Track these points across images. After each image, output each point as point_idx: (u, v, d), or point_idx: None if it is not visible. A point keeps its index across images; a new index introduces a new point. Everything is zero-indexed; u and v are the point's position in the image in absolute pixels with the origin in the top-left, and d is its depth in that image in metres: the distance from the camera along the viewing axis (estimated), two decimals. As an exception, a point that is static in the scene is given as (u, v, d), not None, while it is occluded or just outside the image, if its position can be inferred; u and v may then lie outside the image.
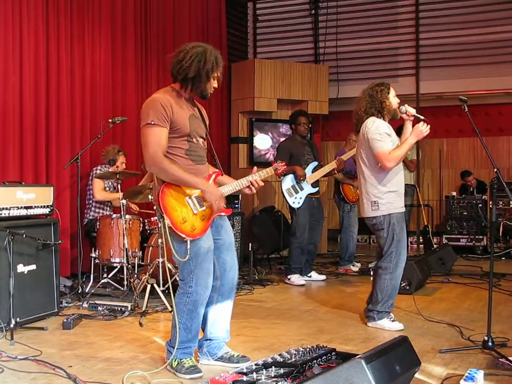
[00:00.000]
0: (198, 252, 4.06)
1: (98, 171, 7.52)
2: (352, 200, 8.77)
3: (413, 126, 5.43)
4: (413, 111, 5.41)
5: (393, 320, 5.46)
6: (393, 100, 5.49)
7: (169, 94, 4.13)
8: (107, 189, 7.65)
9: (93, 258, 7.02)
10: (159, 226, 6.31)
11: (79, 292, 6.65)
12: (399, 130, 5.62)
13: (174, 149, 4.11)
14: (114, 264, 6.99)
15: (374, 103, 5.47)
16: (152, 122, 3.98)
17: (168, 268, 6.14)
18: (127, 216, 6.93)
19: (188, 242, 4.02)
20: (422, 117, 5.35)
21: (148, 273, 6.44)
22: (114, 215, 7.04)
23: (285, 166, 4.68)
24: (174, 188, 4.08)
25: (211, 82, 4.15)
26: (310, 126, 8.28)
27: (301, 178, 7.74)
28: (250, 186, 4.29)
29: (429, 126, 5.31)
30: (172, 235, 4.05)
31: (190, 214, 4.08)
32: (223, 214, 4.28)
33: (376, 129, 5.37)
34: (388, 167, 5.33)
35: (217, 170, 4.37)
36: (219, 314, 4.39)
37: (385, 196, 5.42)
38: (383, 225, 5.46)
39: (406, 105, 5.45)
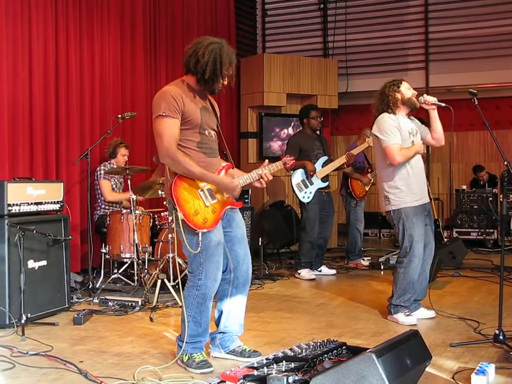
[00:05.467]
0: (208, 244, 4.07)
1: (102, 171, 7.54)
2: (359, 195, 8.75)
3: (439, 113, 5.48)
4: (431, 99, 5.36)
5: (408, 315, 5.44)
6: (406, 92, 5.48)
7: (180, 86, 4.14)
8: (114, 187, 7.67)
9: (103, 254, 7.04)
10: (169, 219, 6.38)
11: (90, 287, 6.67)
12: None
13: (186, 142, 4.11)
14: (125, 260, 7.01)
15: (383, 99, 5.53)
16: (164, 114, 3.99)
17: (178, 262, 6.16)
18: (137, 212, 6.94)
19: (200, 234, 4.03)
20: (443, 104, 5.33)
21: (158, 268, 6.46)
22: (124, 211, 7.05)
23: (294, 160, 4.69)
24: (186, 180, 4.09)
25: (223, 81, 4.17)
26: (322, 119, 8.26)
27: (311, 173, 7.74)
28: (260, 179, 4.30)
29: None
30: (184, 227, 4.05)
31: (202, 206, 4.09)
32: (234, 206, 4.29)
33: (382, 125, 5.44)
34: (396, 162, 5.35)
35: (228, 163, 4.38)
36: (234, 307, 4.39)
37: (395, 191, 5.45)
38: (394, 220, 5.52)
39: (425, 95, 5.43)
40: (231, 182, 4.17)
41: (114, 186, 7.68)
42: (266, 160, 4.38)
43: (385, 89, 5.52)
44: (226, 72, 4.12)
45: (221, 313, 4.41)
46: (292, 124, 10.54)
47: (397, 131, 5.38)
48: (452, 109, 5.22)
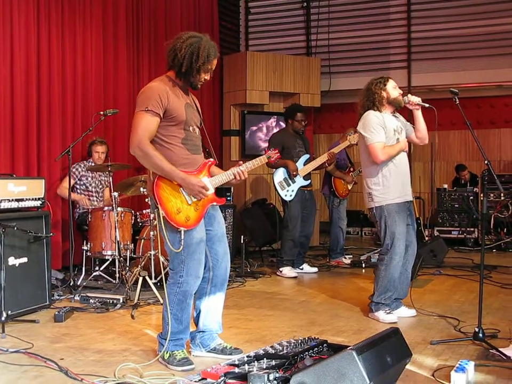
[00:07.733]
0: (190, 242, 4.07)
1: (74, 169, 7.51)
2: (342, 194, 8.77)
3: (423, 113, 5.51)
4: (415, 100, 5.38)
5: (388, 313, 5.47)
6: (392, 91, 5.50)
7: (165, 82, 4.14)
8: (78, 187, 7.62)
9: (84, 251, 7.01)
10: (151, 217, 6.38)
11: (71, 284, 6.62)
12: None
13: (171, 138, 4.11)
14: (106, 257, 6.98)
15: (369, 96, 5.54)
16: (147, 109, 3.99)
17: (161, 260, 6.14)
18: (119, 209, 6.92)
19: (182, 232, 4.02)
20: (426, 105, 5.36)
21: (139, 266, 6.45)
22: (106, 208, 7.02)
23: (278, 154, 4.71)
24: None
25: (202, 75, 4.16)
26: (306, 123, 8.26)
27: (293, 173, 7.74)
28: (236, 176, 4.30)
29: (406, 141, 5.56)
30: (166, 225, 4.05)
31: (184, 204, 4.09)
32: (215, 203, 4.30)
33: (367, 122, 5.45)
34: (379, 160, 5.36)
35: (211, 159, 4.38)
36: (212, 306, 4.40)
37: (378, 188, 5.46)
38: (376, 217, 5.53)
39: (409, 95, 5.45)
40: (198, 182, 4.10)
41: (78, 186, 7.64)
42: (241, 162, 4.38)
43: (371, 86, 5.53)
44: (203, 66, 4.09)
45: (199, 312, 4.41)
46: (274, 121, 10.54)
47: (381, 129, 5.39)
48: (435, 110, 5.25)
